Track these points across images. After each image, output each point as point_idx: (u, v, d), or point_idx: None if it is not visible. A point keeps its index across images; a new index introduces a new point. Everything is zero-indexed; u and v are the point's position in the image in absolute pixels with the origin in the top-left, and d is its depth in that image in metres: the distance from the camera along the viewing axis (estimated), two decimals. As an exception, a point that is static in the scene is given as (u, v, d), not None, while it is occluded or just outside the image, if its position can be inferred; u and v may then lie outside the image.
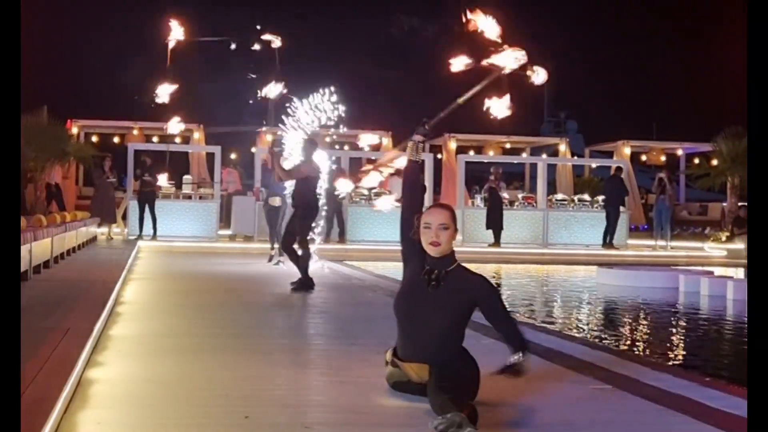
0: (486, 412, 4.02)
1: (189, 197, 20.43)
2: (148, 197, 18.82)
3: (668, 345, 8.88)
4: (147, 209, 18.74)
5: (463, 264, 4.58)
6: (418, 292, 4.51)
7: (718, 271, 16.30)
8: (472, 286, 4.49)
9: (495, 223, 20.39)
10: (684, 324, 10.56)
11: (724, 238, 21.58)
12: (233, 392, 4.64)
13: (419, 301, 4.49)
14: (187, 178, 20.98)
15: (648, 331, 9.73)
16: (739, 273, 17.16)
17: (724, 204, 25.26)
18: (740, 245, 20.26)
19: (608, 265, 15.73)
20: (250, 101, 14.78)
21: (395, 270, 14.61)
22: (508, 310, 4.63)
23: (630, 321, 10.65)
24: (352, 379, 4.96)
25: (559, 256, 19.76)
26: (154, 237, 18.44)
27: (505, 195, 21.59)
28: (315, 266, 12.60)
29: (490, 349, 5.14)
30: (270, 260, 13.90)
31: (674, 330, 9.99)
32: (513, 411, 4.30)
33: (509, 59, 4.91)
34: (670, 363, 7.51)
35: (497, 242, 20.20)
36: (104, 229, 19.03)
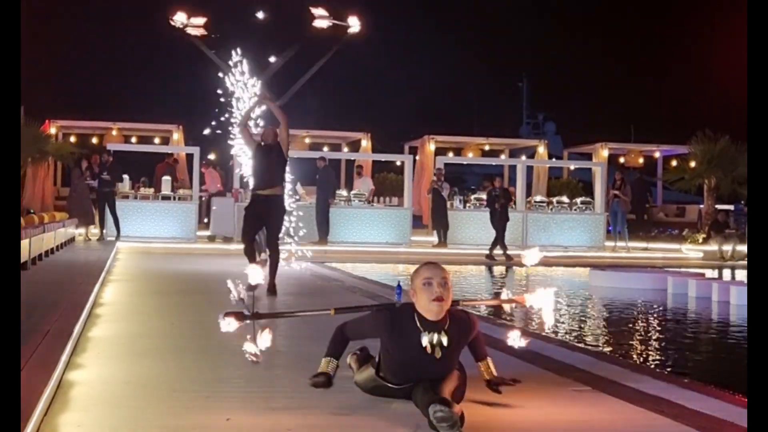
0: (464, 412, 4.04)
1: (167, 198, 20.33)
2: (107, 197, 18.62)
3: (650, 347, 8.93)
4: (108, 210, 18.54)
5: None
6: (420, 362, 4.26)
7: (694, 272, 16.42)
8: (466, 332, 4.39)
9: (439, 223, 20.61)
10: (667, 325, 10.64)
11: (700, 240, 21.75)
12: (214, 394, 4.64)
13: (423, 366, 4.26)
14: (166, 179, 20.84)
15: (632, 333, 9.76)
16: (715, 274, 17.34)
17: (701, 206, 25.42)
18: (716, 247, 20.47)
19: (600, 267, 15.94)
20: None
21: (375, 272, 14.59)
22: None
23: (615, 322, 10.66)
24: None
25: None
26: (117, 237, 18.16)
27: (450, 195, 21.61)
28: (295, 268, 12.57)
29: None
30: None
31: (657, 332, 10.05)
32: (492, 412, 4.32)
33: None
34: (650, 365, 7.57)
35: (443, 242, 20.31)
36: (82, 230, 18.88)
